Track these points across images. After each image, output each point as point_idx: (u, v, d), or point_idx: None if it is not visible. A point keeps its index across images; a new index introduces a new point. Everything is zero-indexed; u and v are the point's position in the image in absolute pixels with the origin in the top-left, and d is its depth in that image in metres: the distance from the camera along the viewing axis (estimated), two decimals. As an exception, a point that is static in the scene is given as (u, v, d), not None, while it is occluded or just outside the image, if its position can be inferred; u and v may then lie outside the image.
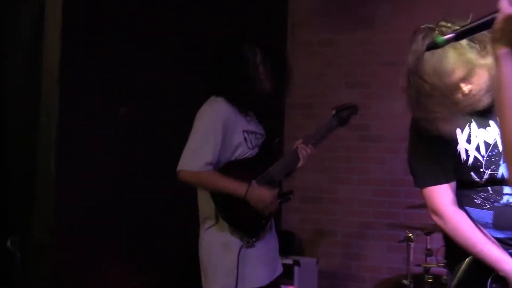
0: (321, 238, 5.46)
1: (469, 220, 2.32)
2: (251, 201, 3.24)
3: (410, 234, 4.19)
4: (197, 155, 3.16)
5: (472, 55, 2.22)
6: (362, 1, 5.62)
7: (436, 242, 4.08)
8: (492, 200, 2.35)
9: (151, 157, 4.09)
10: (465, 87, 2.28)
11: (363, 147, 5.52)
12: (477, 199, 2.36)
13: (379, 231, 5.30)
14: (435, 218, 2.38)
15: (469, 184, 2.36)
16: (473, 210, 2.36)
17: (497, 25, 1.43)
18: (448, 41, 1.62)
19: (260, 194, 3.26)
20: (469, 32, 1.61)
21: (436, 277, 4.11)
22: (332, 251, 5.51)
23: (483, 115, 2.34)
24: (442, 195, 2.36)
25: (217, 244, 3.24)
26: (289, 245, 5.18)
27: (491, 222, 2.35)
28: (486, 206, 2.35)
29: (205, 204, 3.28)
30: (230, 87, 3.27)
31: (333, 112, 3.64)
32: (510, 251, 2.34)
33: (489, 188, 2.35)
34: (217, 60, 3.36)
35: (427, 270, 4.15)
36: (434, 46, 1.64)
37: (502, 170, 2.37)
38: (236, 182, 3.24)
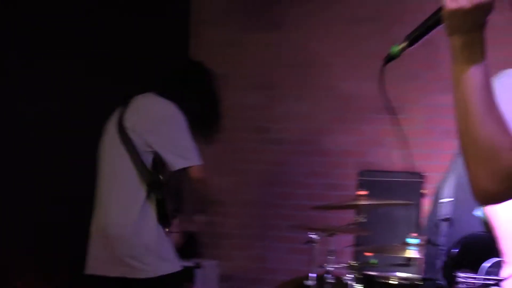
0: (222, 241, 5.51)
1: None
2: None
3: (313, 236, 4.19)
4: (197, 151, 3.44)
5: None
6: (269, 3, 5.70)
7: (338, 243, 4.17)
8: None
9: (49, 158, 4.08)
10: None
11: (266, 149, 5.60)
12: None
13: (281, 233, 5.37)
14: None
15: None
16: None
17: (445, 21, 1.44)
18: (404, 49, 1.60)
19: None
20: (421, 35, 1.59)
21: (338, 278, 4.17)
22: (234, 254, 5.55)
23: None
24: None
25: None
26: (190, 247, 5.15)
27: None
28: None
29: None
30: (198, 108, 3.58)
31: None
32: None
33: None
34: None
35: (328, 271, 4.20)
36: (391, 58, 1.61)
37: None
38: None
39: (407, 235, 3.89)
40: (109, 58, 4.48)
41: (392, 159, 5.06)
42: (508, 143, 1.34)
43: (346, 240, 4.70)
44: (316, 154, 5.53)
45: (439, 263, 3.07)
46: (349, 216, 4.40)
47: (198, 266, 4.76)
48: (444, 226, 3.06)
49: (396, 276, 3.96)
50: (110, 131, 3.48)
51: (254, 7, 5.71)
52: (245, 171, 5.53)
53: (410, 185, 4.94)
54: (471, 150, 1.37)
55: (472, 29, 1.39)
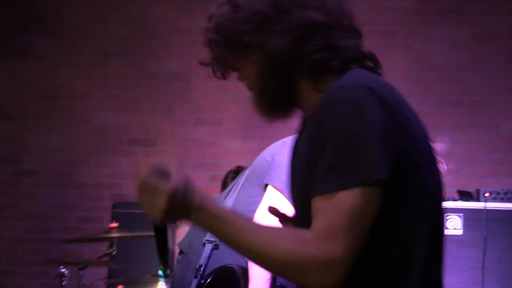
0: None
1: None
2: None
3: (63, 270, 4.13)
4: None
5: None
6: (17, 31, 5.61)
7: (88, 277, 4.16)
8: None
9: None
10: None
11: (16, 181, 5.47)
12: None
13: (31, 268, 5.25)
14: None
15: None
16: None
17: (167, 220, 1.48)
18: (166, 269, 1.71)
19: None
20: (164, 252, 1.59)
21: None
22: None
23: None
24: None
25: None
26: None
27: None
28: None
29: None
30: None
31: None
32: None
33: None
34: None
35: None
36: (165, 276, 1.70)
37: None
38: None
39: (159, 267, 3.97)
40: None
41: None
42: (292, 243, 1.41)
43: (99, 273, 4.68)
44: (71, 187, 5.49)
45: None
46: (104, 249, 4.38)
47: None
48: (208, 247, 3.13)
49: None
50: None
51: (1, 34, 5.60)
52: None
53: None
54: (283, 269, 1.44)
55: (186, 215, 1.45)
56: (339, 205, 1.38)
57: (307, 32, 1.54)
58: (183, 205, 1.43)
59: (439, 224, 1.57)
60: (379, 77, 1.58)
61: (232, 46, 1.58)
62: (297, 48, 1.54)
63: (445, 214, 3.89)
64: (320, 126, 1.45)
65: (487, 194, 4.27)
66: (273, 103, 1.61)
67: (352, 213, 1.38)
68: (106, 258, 4.32)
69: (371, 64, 1.60)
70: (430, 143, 1.56)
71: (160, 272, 1.49)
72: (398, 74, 4.98)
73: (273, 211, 1.81)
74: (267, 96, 1.61)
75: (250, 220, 1.53)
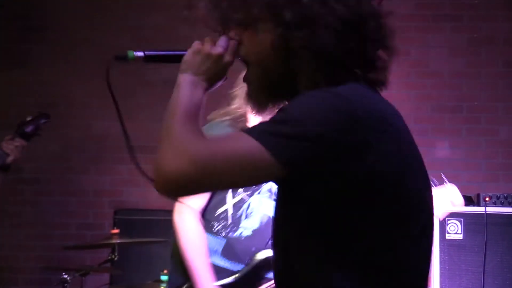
0: None
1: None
2: None
3: (65, 276, 4.17)
4: None
5: None
6: (16, 40, 5.64)
7: (90, 283, 4.21)
8: (228, 230, 2.73)
9: None
10: None
11: (17, 189, 5.47)
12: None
13: (33, 275, 5.27)
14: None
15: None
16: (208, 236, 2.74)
17: (186, 57, 1.64)
18: (138, 59, 1.72)
19: None
20: (158, 60, 1.73)
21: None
22: None
23: None
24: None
25: None
26: None
27: (220, 250, 2.73)
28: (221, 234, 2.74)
29: None
30: None
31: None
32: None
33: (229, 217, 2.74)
34: None
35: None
36: (123, 58, 1.74)
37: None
38: None
39: (161, 272, 4.01)
40: None
41: (148, 198, 5.14)
42: (196, 139, 1.49)
43: (101, 279, 4.73)
44: (72, 194, 5.51)
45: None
46: (105, 255, 4.41)
47: None
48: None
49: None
50: None
51: (1, 43, 5.62)
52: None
53: (167, 222, 5.07)
54: (166, 139, 1.51)
55: (201, 73, 1.63)
56: (234, 142, 1.46)
57: (332, 24, 1.52)
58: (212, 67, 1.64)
59: (430, 234, 1.57)
60: (380, 101, 1.56)
61: (244, 8, 1.59)
62: (316, 38, 1.52)
63: (446, 219, 3.92)
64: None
65: (487, 199, 4.27)
66: (271, 87, 1.62)
67: (234, 153, 1.43)
68: (107, 264, 4.35)
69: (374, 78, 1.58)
70: (423, 168, 1.56)
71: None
72: (396, 80, 4.97)
73: None
74: (268, 78, 1.61)
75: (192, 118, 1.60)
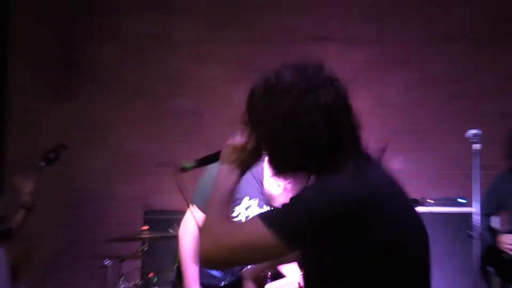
0: (30, 267, 5.36)
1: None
2: None
3: (107, 262, 4.34)
4: None
5: None
6: (62, 76, 5.91)
7: (126, 267, 4.44)
8: None
9: None
10: None
11: (67, 196, 5.84)
12: None
13: (82, 262, 5.58)
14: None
15: None
16: None
17: (222, 153, 1.81)
18: (192, 168, 1.88)
19: None
20: (206, 163, 1.89)
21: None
22: (41, 280, 5.69)
23: None
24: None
25: None
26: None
27: None
28: None
29: None
30: None
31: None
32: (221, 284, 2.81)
33: None
34: None
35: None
36: (183, 170, 1.88)
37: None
38: None
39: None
40: None
41: (169, 202, 5.38)
42: (223, 226, 1.65)
43: (135, 264, 5.08)
44: (109, 200, 5.82)
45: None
46: (138, 246, 4.71)
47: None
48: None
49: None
50: None
51: (51, 80, 5.89)
52: (46, 215, 5.52)
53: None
54: (205, 228, 1.66)
55: (233, 162, 1.76)
56: (251, 228, 1.59)
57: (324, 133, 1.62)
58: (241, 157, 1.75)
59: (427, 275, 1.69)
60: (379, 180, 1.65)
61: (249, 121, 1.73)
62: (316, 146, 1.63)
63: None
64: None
65: (432, 201, 4.74)
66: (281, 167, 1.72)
67: (250, 239, 1.57)
68: (139, 253, 4.64)
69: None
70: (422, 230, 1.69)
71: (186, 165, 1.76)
72: (362, 110, 5.53)
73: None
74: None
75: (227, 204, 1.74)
